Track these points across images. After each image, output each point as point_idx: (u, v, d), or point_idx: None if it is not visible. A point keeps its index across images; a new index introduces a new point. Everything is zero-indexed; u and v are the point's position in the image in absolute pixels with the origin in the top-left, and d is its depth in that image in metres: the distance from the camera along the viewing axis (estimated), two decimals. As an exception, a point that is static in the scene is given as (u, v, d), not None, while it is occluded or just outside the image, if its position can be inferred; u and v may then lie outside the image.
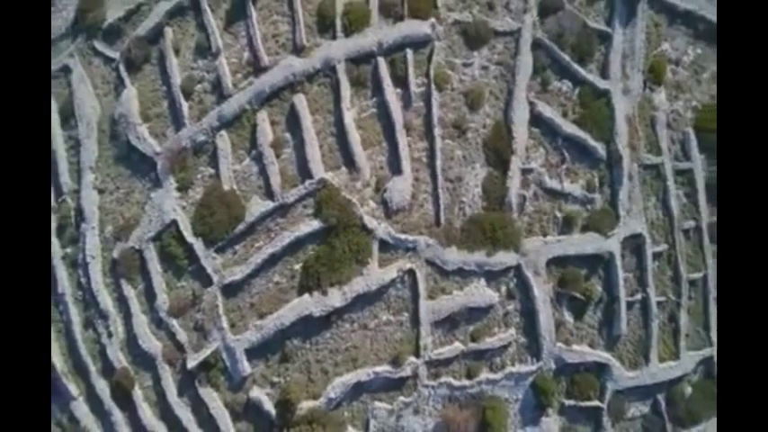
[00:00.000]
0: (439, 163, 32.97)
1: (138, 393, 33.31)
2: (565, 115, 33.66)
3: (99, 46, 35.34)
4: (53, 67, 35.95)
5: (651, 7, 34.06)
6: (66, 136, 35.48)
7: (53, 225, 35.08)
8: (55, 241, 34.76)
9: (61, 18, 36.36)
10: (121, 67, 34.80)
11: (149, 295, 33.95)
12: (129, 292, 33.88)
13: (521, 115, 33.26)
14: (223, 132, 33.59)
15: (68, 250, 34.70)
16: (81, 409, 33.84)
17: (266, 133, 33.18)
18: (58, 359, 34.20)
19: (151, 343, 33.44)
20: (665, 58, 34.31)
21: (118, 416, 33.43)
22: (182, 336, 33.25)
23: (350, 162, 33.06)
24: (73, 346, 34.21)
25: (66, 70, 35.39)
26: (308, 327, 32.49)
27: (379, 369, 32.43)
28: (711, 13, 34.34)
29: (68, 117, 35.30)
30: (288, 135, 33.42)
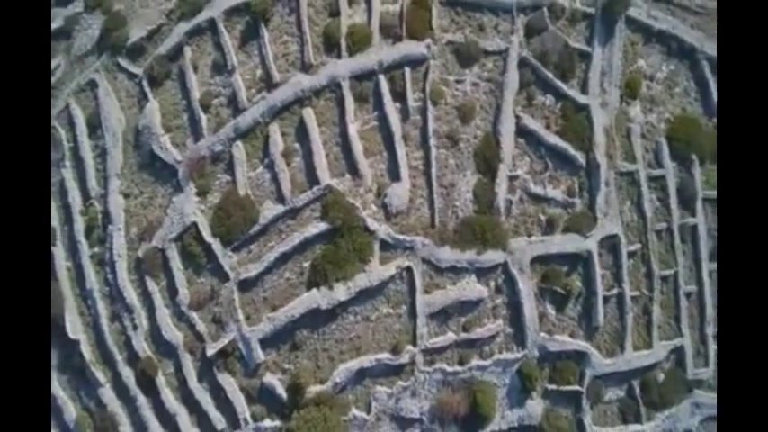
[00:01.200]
0: (434, 170, 34.05)
1: (161, 380, 34.74)
2: (548, 127, 34.67)
3: (123, 63, 36.86)
4: (81, 82, 37.34)
5: (628, 27, 35.22)
6: (93, 145, 36.97)
7: (81, 227, 36.33)
8: (83, 241, 36.31)
9: (87, 36, 37.96)
10: (144, 83, 36.24)
11: (171, 290, 35.13)
12: (153, 287, 35.17)
13: (508, 127, 34.34)
14: (238, 143, 34.76)
15: (96, 250, 36.22)
16: (108, 395, 35.46)
17: (278, 143, 34.39)
18: (86, 349, 35.76)
19: (173, 334, 34.73)
20: (640, 75, 35.42)
21: (142, 400, 34.96)
22: (201, 327, 34.49)
23: (353, 170, 34.21)
24: (100, 337, 35.71)
25: (93, 84, 37.04)
26: (316, 318, 33.61)
27: (380, 356, 33.60)
28: (684, 33, 35.62)
29: (95, 128, 36.80)
30: (297, 145, 34.57)
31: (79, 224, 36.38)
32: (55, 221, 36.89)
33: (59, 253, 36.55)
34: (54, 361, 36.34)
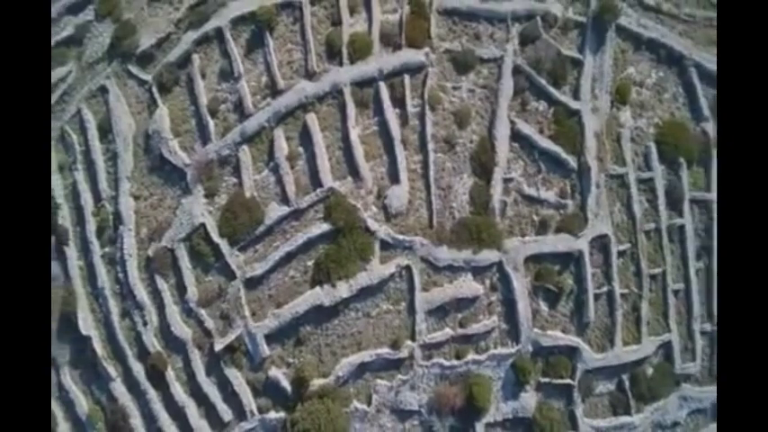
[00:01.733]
0: (432, 173, 34.89)
1: (170, 374, 35.63)
2: (541, 132, 35.52)
3: (133, 69, 37.65)
4: (92, 88, 38.12)
5: (618, 36, 36.12)
6: (105, 149, 37.80)
7: (93, 228, 37.16)
8: (95, 241, 37.15)
9: (97, 44, 38.66)
10: (154, 89, 37.11)
11: (180, 288, 35.98)
12: (163, 285, 36.07)
13: (503, 132, 35.20)
14: (245, 147, 35.62)
15: (107, 249, 37.08)
16: (119, 389, 36.42)
17: (282, 147, 35.27)
18: (98, 345, 36.56)
19: (182, 330, 35.59)
20: (630, 81, 36.17)
21: (152, 394, 35.89)
22: (209, 323, 35.33)
23: (355, 173, 35.04)
24: (111, 333, 36.64)
25: (104, 90, 37.86)
26: (319, 315, 34.43)
27: (380, 351, 34.36)
28: (672, 41, 36.16)
29: (106, 132, 37.65)
30: (301, 149, 35.46)
31: (91, 225, 37.29)
32: (67, 222, 37.86)
33: (72, 253, 37.57)
34: (66, 357, 37.48)
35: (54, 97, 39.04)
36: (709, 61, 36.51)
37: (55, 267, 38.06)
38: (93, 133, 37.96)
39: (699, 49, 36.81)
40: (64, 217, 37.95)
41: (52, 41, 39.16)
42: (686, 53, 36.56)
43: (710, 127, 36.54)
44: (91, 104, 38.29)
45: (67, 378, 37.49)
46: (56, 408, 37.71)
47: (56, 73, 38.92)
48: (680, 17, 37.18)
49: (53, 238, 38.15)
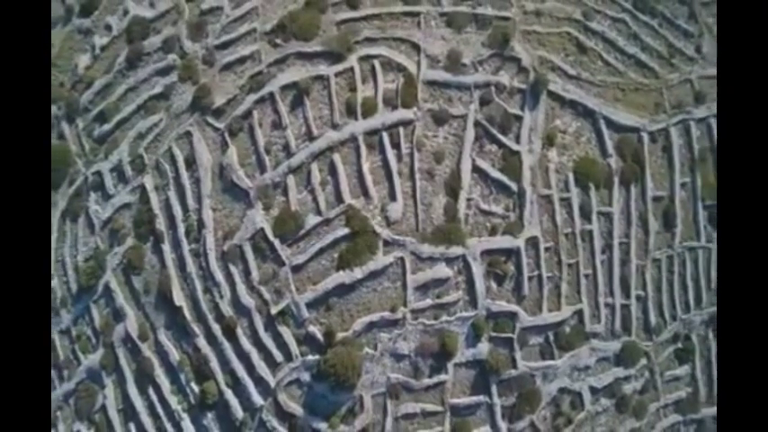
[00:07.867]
0: (418, 194, 43.77)
1: (239, 331, 44.59)
2: (493, 166, 44.93)
3: (210, 120, 47.16)
4: (179, 132, 48.07)
5: (549, 97, 46.45)
6: (190, 175, 47.32)
7: (182, 231, 46.92)
8: (184, 240, 46.95)
9: (182, 99, 49.05)
10: (225, 134, 46.30)
11: (246, 272, 44.72)
12: (234, 270, 44.91)
13: (466, 166, 44.45)
14: (290, 175, 44.51)
15: (193, 246, 46.56)
16: (202, 342, 45.95)
17: (316, 176, 44.12)
18: (187, 312, 46.12)
19: (248, 300, 44.29)
20: (556, 129, 46.12)
21: (226, 345, 45.05)
22: (267, 296, 43.90)
23: (366, 194, 43.96)
24: (197, 304, 45.99)
25: (189, 134, 47.63)
26: (342, 290, 43.21)
27: (383, 314, 42.88)
28: (587, 101, 47.06)
29: (191, 164, 47.24)
30: (329, 177, 44.50)
31: (181, 229, 47.32)
32: (162, 227, 48.39)
33: (167, 248, 48.21)
34: (162, 321, 48.15)
35: (149, 137, 51.39)
36: (614, 114, 49.30)
37: (153, 259, 50.17)
38: (181, 164, 47.47)
39: (607, 105, 48.46)
40: (160, 223, 48.11)
41: (146, 96, 52.73)
42: (597, 109, 47.65)
43: (613, 161, 49.26)
44: (179, 144, 47.98)
45: (163, 337, 47.71)
46: (153, 358, 48.19)
47: (150, 120, 51.41)
48: (595, 83, 48.60)
49: (152, 238, 51.17)
